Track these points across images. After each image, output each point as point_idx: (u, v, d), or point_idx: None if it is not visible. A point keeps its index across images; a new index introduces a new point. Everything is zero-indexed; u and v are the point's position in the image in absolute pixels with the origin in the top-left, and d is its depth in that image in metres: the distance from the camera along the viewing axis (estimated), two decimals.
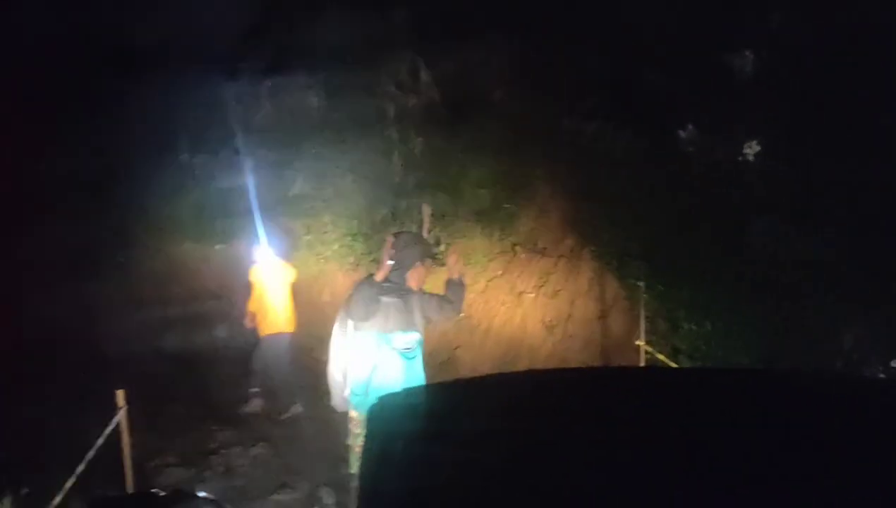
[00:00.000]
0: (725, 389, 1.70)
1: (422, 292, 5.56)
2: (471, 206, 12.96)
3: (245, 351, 10.61)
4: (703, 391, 1.68)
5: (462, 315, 10.69)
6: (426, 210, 12.93)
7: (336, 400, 5.67)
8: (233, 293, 13.17)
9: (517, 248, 12.01)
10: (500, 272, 12.05)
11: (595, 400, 1.65)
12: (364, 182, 14.05)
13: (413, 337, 5.37)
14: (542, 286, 10.79)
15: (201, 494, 2.54)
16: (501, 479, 1.32)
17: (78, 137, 15.04)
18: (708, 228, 9.84)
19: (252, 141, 15.28)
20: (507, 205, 12.41)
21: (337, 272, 13.66)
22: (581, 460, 1.35)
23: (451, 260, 5.90)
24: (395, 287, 5.47)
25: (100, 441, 6.01)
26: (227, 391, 10.20)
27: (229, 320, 12.61)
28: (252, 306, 10.45)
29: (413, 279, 5.52)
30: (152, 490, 2.51)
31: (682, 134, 10.51)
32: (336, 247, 13.81)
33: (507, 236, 12.17)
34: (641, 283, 8.79)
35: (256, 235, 10.93)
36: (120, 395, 6.97)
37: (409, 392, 2.56)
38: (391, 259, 5.37)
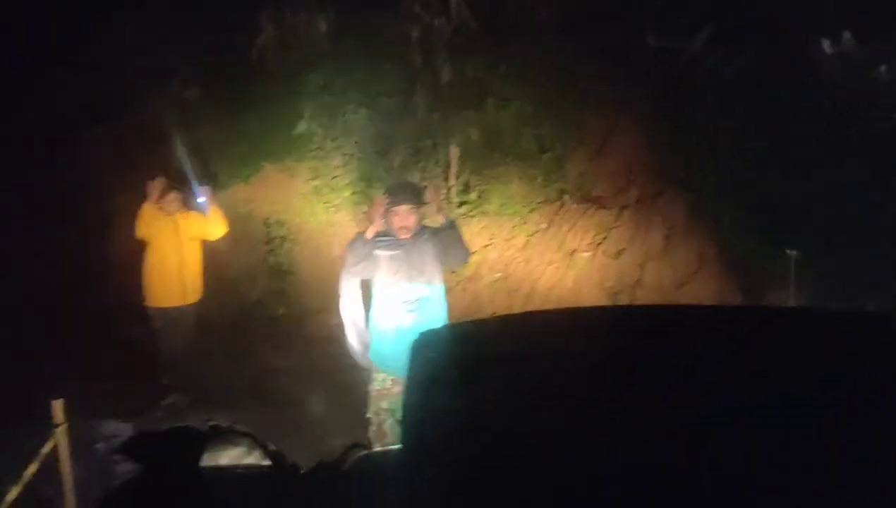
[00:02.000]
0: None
1: (425, 238, 5.26)
2: (509, 147, 10.87)
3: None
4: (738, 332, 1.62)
5: (499, 275, 8.62)
6: (454, 151, 11.09)
7: (356, 356, 5.60)
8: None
9: (566, 197, 9.59)
10: (544, 225, 9.89)
11: (640, 335, 1.58)
12: (381, 118, 11.85)
13: (418, 290, 5.15)
14: (600, 244, 8.53)
15: (238, 428, 2.09)
16: (555, 404, 1.28)
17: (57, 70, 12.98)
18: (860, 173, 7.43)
19: (249, 71, 13.13)
20: (555, 146, 9.94)
21: (349, 223, 11.49)
22: (622, 391, 1.29)
23: (429, 196, 5.60)
24: (388, 239, 5.32)
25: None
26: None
27: None
28: (148, 271, 8.20)
29: (397, 224, 5.24)
30: (188, 425, 2.08)
31: (824, 46, 8.04)
32: (347, 193, 11.71)
33: (553, 182, 9.84)
34: (794, 253, 6.42)
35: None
36: (58, 408, 5.08)
37: (451, 326, 2.68)
38: (382, 216, 5.19)
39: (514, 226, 10.31)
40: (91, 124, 12.92)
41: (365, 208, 11.52)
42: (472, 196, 10.87)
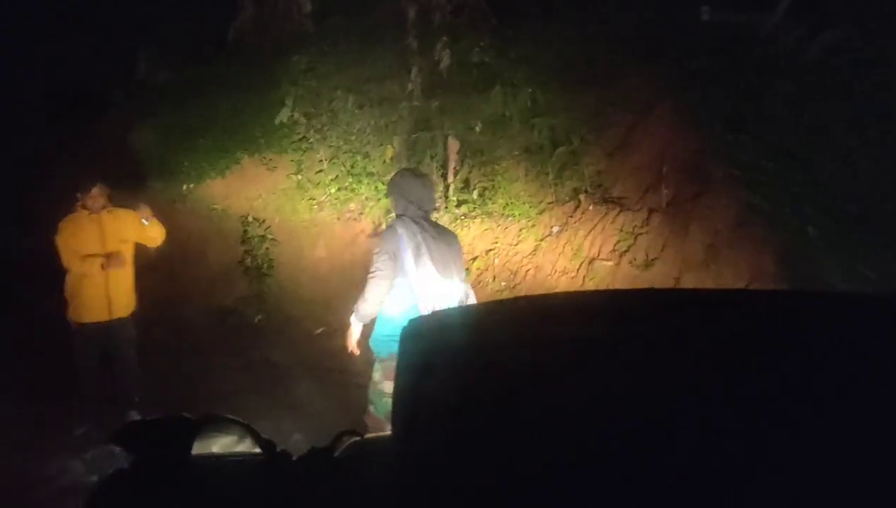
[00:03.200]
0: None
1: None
2: (517, 139, 9.59)
3: None
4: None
5: (504, 285, 7.56)
6: (452, 144, 9.80)
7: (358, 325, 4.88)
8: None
9: (583, 197, 8.32)
10: (556, 229, 8.59)
11: (637, 319, 1.43)
12: (372, 107, 10.64)
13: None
14: (625, 252, 7.25)
15: (229, 416, 2.09)
16: (551, 384, 1.20)
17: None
18: None
19: (227, 54, 12.18)
20: (571, 139, 8.64)
21: (334, 222, 10.53)
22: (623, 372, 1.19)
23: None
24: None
25: None
26: None
27: None
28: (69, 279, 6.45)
29: None
30: (183, 414, 2.04)
31: None
32: (333, 190, 10.62)
33: (568, 179, 8.60)
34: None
35: None
36: None
37: (442, 313, 2.45)
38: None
39: (522, 230, 9.03)
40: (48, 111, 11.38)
41: (352, 206, 10.18)
42: (473, 194, 9.62)
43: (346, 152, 10.70)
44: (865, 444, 1.03)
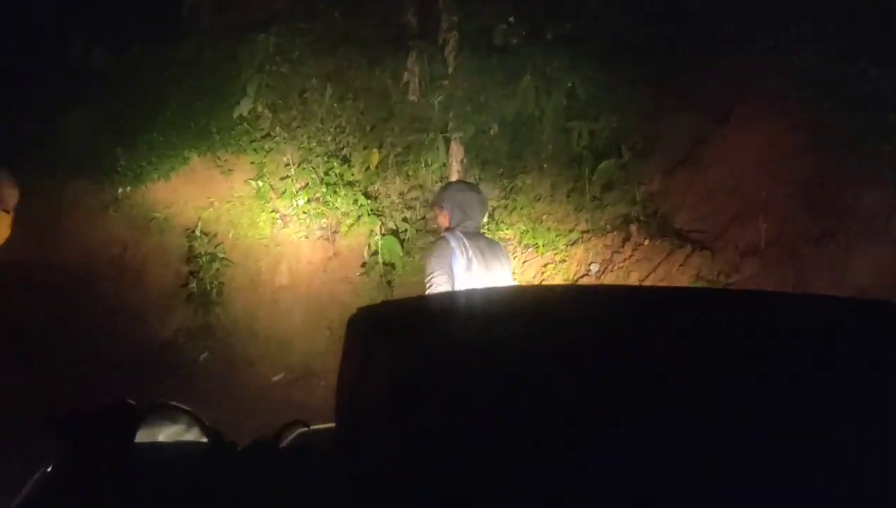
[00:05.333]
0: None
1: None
2: (545, 147, 7.47)
3: None
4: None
5: None
6: (455, 149, 7.81)
7: None
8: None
9: (634, 227, 6.20)
10: (595, 268, 6.75)
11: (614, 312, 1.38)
12: (356, 100, 8.60)
13: None
14: None
15: (175, 404, 1.86)
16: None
17: None
18: None
19: (179, 34, 10.06)
20: (620, 148, 6.45)
21: (301, 242, 8.79)
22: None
23: None
24: None
25: None
26: None
27: None
28: None
29: None
30: (127, 401, 1.83)
31: None
32: (302, 201, 8.77)
33: (613, 202, 6.42)
34: None
35: None
36: None
37: (389, 302, 2.44)
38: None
39: (547, 266, 6.94)
40: None
41: (325, 222, 8.60)
42: (484, 221, 7.09)
43: (319, 155, 8.67)
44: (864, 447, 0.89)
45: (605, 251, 6.62)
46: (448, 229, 4.34)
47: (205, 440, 1.80)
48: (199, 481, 1.66)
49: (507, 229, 7.33)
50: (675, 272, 5.92)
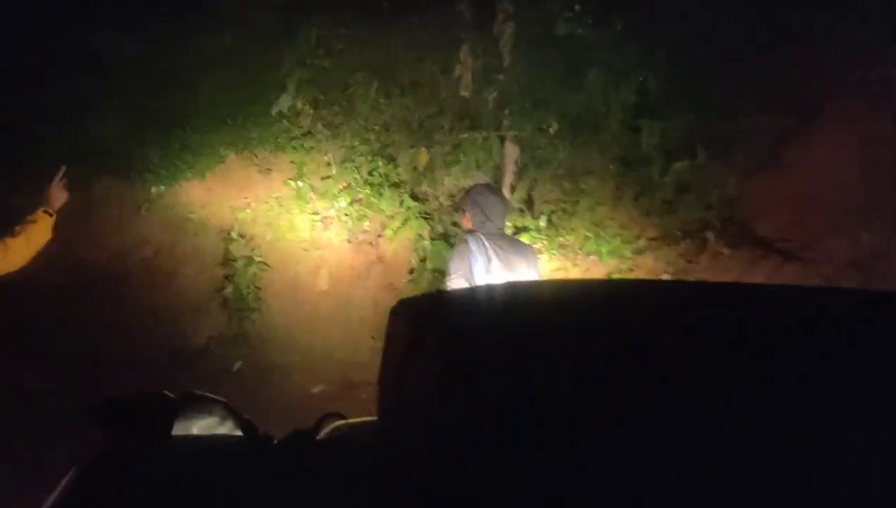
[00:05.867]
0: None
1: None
2: (610, 147, 6.91)
3: None
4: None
5: None
6: (510, 149, 7.27)
7: None
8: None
9: (711, 234, 5.55)
10: (666, 278, 6.04)
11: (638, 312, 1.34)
12: (403, 96, 8.09)
13: None
14: None
15: (210, 396, 1.92)
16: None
17: None
18: None
19: (215, 23, 9.49)
20: (694, 149, 5.88)
21: (343, 246, 8.40)
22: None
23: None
24: None
25: None
26: None
27: None
28: None
29: None
30: (163, 391, 1.95)
31: None
32: (344, 202, 8.35)
33: (686, 207, 5.85)
34: None
35: None
36: None
37: (431, 295, 2.43)
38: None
39: (612, 274, 6.46)
40: None
41: (368, 225, 8.25)
42: (540, 220, 7.02)
43: (363, 154, 8.22)
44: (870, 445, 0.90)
45: (678, 260, 6.06)
46: (470, 231, 4.43)
47: (239, 432, 1.83)
48: (239, 474, 1.66)
49: (567, 235, 6.80)
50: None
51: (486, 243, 4.31)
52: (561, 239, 6.76)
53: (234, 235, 8.59)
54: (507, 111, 7.14)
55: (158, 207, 9.49)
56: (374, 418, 1.54)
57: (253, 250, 8.51)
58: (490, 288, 2.64)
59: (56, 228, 5.14)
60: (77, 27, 9.52)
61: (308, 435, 1.75)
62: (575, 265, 6.61)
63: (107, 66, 9.54)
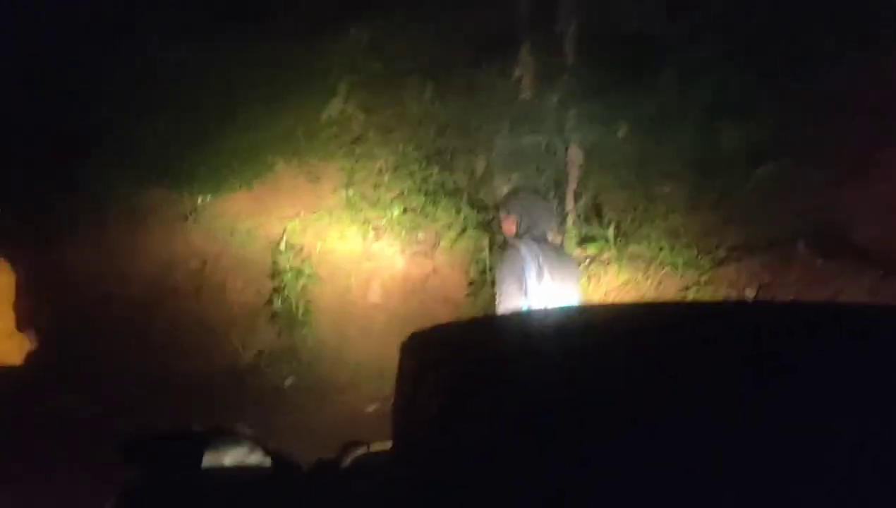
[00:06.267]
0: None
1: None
2: (685, 152, 6.48)
3: None
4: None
5: None
6: (574, 154, 6.96)
7: None
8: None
9: (801, 245, 5.10)
10: (750, 292, 5.64)
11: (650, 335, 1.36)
12: (459, 98, 7.83)
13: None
14: None
15: (238, 429, 2.17)
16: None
17: None
18: None
19: (257, 24, 9.30)
20: (781, 153, 5.45)
21: (395, 257, 8.23)
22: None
23: None
24: None
25: None
26: None
27: None
28: None
29: None
30: (191, 427, 2.32)
31: None
32: (397, 211, 8.14)
33: (770, 214, 5.59)
34: None
35: None
36: None
37: (440, 327, 2.03)
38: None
39: (689, 288, 6.02)
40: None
41: (423, 235, 8.05)
42: (608, 230, 6.61)
43: (416, 160, 8.08)
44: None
45: (763, 273, 5.58)
46: (515, 237, 4.30)
47: (268, 462, 1.92)
48: (268, 503, 1.78)
49: (636, 244, 6.39)
50: (864, 299, 4.84)
51: (537, 248, 4.18)
52: (629, 248, 6.39)
53: (282, 247, 8.42)
54: (570, 113, 6.82)
55: (205, 218, 9.35)
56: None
57: (302, 262, 8.32)
58: (495, 320, 2.63)
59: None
60: (123, 35, 9.46)
61: (333, 463, 1.83)
62: (646, 277, 6.21)
63: (151, 74, 9.45)
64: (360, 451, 1.97)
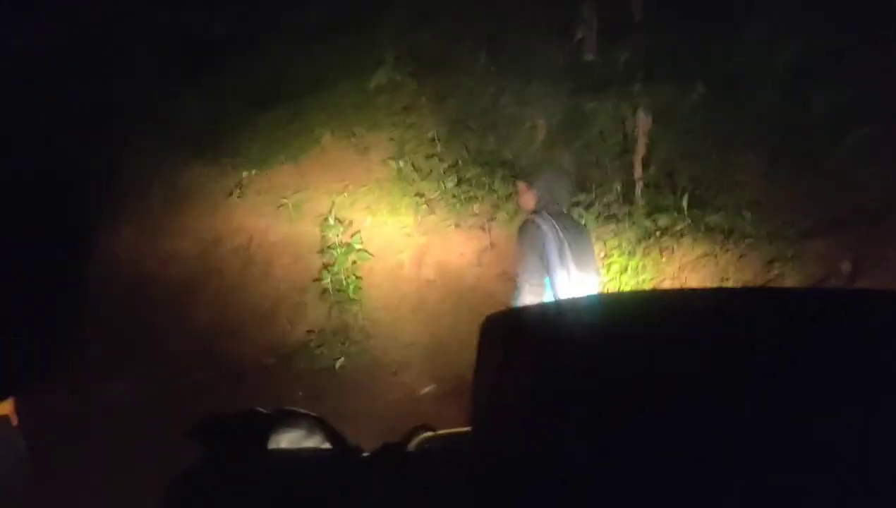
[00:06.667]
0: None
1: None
2: (770, 114, 5.87)
3: None
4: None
5: None
6: (642, 119, 6.36)
7: None
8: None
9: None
10: (845, 264, 5.26)
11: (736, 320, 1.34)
12: (515, 62, 7.32)
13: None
14: None
15: (302, 411, 1.96)
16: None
17: None
18: None
19: None
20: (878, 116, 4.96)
21: (450, 230, 7.72)
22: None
23: None
24: None
25: None
26: None
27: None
28: None
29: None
30: (257, 408, 2.00)
31: None
32: (451, 183, 7.71)
33: (863, 181, 5.30)
34: None
35: None
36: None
37: (522, 309, 2.40)
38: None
39: (773, 262, 5.45)
40: None
41: (478, 208, 7.59)
42: (682, 200, 6.06)
43: (471, 129, 7.62)
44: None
45: (859, 245, 5.06)
46: (533, 211, 4.28)
47: (328, 444, 1.84)
48: (331, 486, 1.70)
49: (713, 214, 5.88)
50: None
51: (554, 222, 4.20)
52: (705, 218, 5.87)
53: (330, 221, 8.06)
54: (639, 74, 6.30)
55: (250, 193, 9.13)
56: (464, 429, 1.58)
57: (352, 237, 7.97)
58: (577, 302, 2.62)
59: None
60: (163, 5, 9.17)
61: (398, 448, 1.76)
62: (725, 250, 5.71)
63: (194, 48, 9.16)
64: (427, 435, 1.80)
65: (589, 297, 3.07)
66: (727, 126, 6.14)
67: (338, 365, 7.34)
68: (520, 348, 1.29)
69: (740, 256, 5.68)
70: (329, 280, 7.90)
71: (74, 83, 8.73)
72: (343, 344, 7.59)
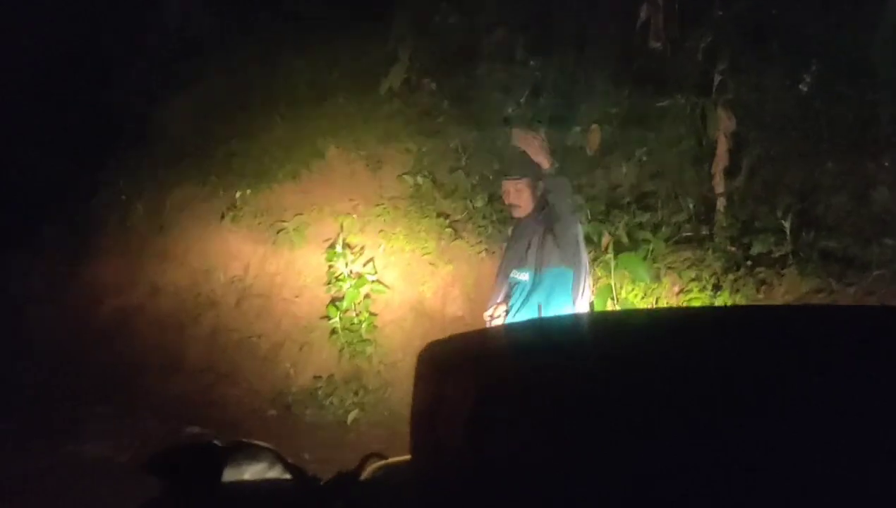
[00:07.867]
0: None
1: (538, 218, 4.20)
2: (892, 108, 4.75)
3: None
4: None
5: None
6: (725, 119, 5.31)
7: None
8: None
9: None
10: None
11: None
12: (557, 47, 6.37)
13: (519, 277, 4.29)
14: None
15: (260, 444, 1.71)
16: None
17: None
18: None
19: None
20: None
21: (479, 257, 6.79)
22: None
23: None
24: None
25: None
26: None
27: None
28: None
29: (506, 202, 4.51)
30: (212, 442, 1.73)
31: None
32: (480, 201, 6.92)
33: None
34: None
35: None
36: None
37: (459, 335, 1.69)
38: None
39: None
40: None
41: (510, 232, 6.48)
42: (784, 219, 4.92)
43: (505, 136, 6.33)
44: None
45: None
46: (532, 211, 4.14)
47: (288, 476, 1.75)
48: None
49: (828, 237, 4.75)
50: None
51: (544, 223, 4.07)
52: (822, 244, 4.65)
53: (338, 248, 7.27)
54: (719, 67, 5.14)
55: (245, 215, 8.38)
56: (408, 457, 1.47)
57: (364, 266, 7.19)
58: (510, 328, 2.39)
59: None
60: (142, 3, 8.35)
61: (351, 476, 1.58)
62: (845, 285, 4.49)
63: (176, 47, 8.29)
64: (379, 463, 1.57)
65: (535, 321, 2.95)
66: (832, 125, 5.02)
67: (350, 418, 6.58)
68: (452, 375, 1.20)
69: (866, 293, 4.48)
70: (338, 317, 7.10)
71: (50, 93, 7.94)
72: (356, 393, 6.86)
